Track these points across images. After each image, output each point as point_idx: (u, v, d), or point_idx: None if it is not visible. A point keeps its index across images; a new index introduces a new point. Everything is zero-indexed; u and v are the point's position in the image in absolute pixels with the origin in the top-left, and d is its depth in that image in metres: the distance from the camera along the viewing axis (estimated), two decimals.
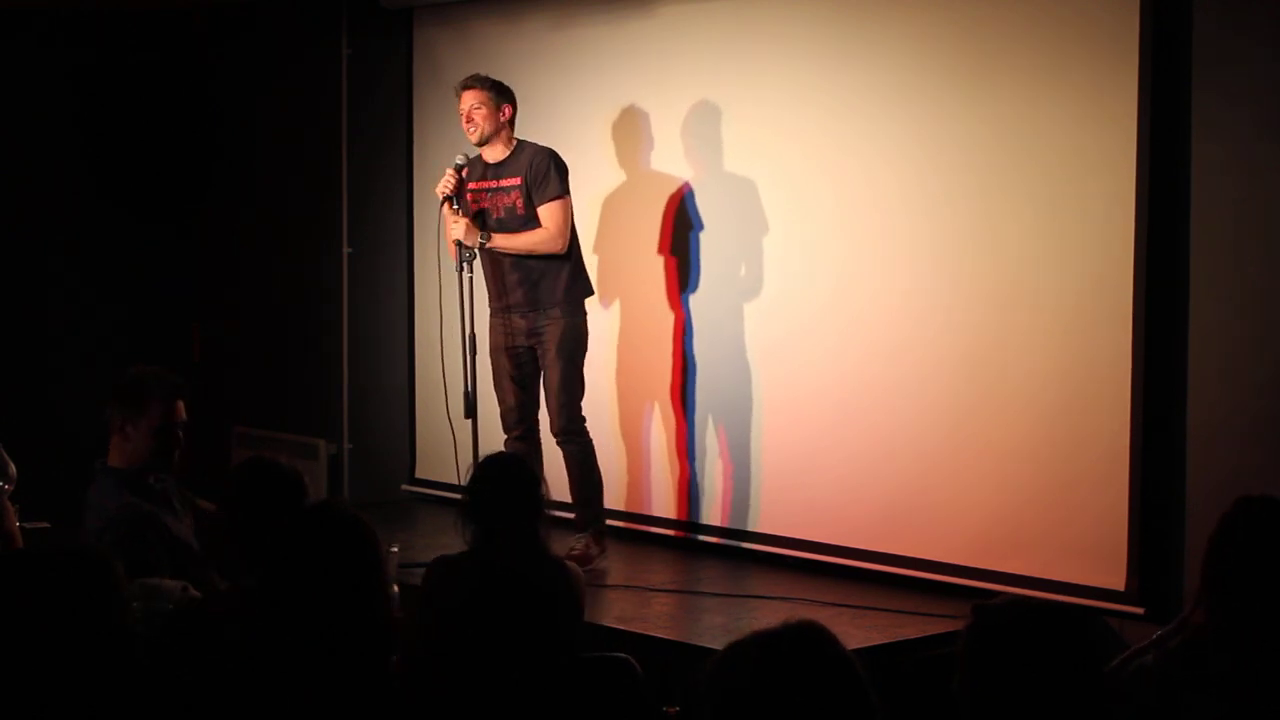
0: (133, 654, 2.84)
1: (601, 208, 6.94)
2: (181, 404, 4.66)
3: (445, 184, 6.19)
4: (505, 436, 6.32)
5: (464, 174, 6.25)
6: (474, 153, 6.26)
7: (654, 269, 6.89)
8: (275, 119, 8.37)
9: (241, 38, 8.48)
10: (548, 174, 6.12)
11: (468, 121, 6.18)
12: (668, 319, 6.83)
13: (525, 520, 4.18)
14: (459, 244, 6.16)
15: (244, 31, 8.45)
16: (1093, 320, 5.58)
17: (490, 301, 6.33)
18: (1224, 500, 3.31)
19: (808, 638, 2.27)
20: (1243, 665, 3.06)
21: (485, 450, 5.67)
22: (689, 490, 6.80)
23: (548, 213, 6.13)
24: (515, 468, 4.35)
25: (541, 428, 6.38)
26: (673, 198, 6.81)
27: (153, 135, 8.63)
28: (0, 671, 2.76)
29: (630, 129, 6.91)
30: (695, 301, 6.77)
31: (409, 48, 7.93)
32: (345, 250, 8.04)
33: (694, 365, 6.77)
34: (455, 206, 6.21)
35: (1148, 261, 5.46)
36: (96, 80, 8.50)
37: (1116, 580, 5.48)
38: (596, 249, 6.86)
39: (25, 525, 4.95)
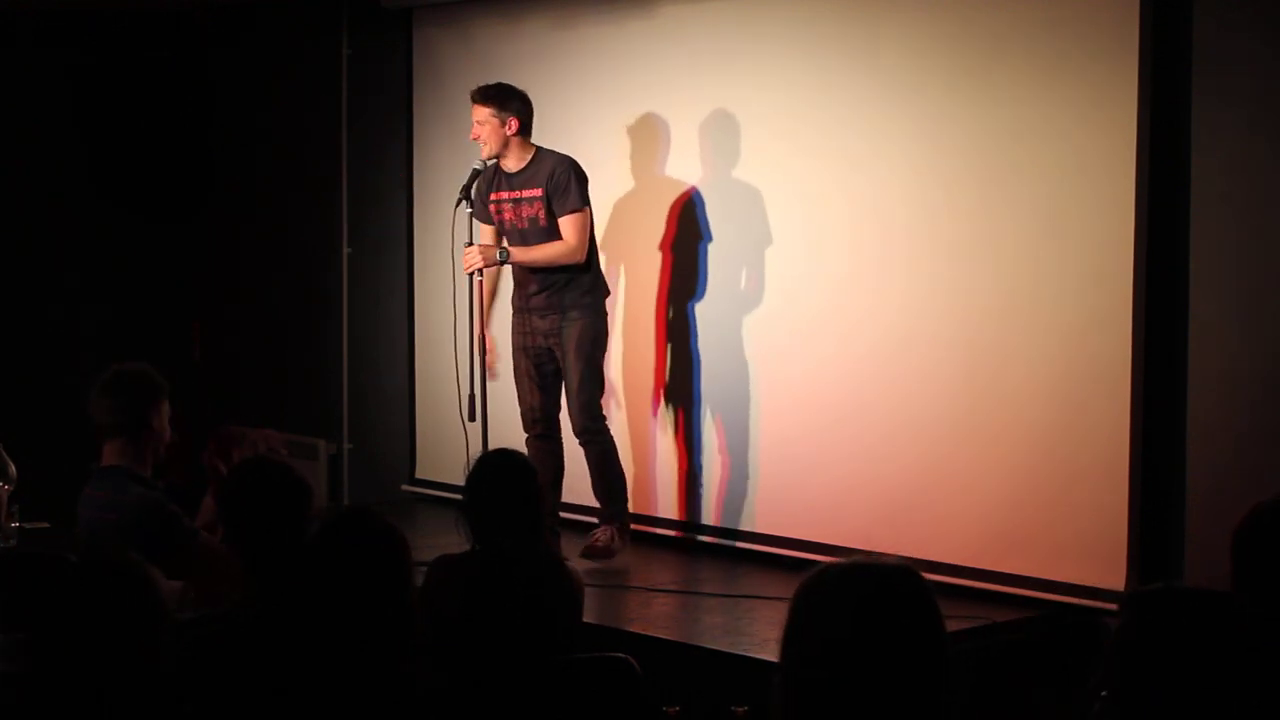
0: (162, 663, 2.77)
1: (601, 209, 6.94)
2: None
3: (472, 264, 6.14)
4: (525, 436, 6.31)
5: (477, 188, 6.22)
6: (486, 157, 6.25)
7: (656, 269, 6.88)
8: (275, 118, 8.37)
9: (241, 38, 8.47)
10: (568, 186, 6.13)
11: (475, 137, 6.19)
12: (667, 319, 6.83)
13: (523, 518, 4.11)
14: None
15: (244, 31, 8.45)
16: (1093, 320, 5.58)
17: (513, 300, 6.36)
18: (1224, 500, 3.32)
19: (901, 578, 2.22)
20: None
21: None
22: (690, 491, 6.80)
23: (568, 224, 6.15)
24: (512, 465, 4.25)
25: (564, 429, 6.37)
26: (675, 199, 6.81)
27: (153, 135, 8.62)
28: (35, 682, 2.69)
29: (632, 130, 6.91)
30: (696, 301, 6.77)
31: (409, 48, 7.92)
32: (345, 250, 8.03)
33: (697, 366, 6.77)
34: (470, 209, 6.20)
35: (1148, 262, 5.46)
36: (96, 80, 8.50)
37: (1116, 580, 5.48)
38: (598, 249, 6.86)
39: (25, 525, 4.95)
